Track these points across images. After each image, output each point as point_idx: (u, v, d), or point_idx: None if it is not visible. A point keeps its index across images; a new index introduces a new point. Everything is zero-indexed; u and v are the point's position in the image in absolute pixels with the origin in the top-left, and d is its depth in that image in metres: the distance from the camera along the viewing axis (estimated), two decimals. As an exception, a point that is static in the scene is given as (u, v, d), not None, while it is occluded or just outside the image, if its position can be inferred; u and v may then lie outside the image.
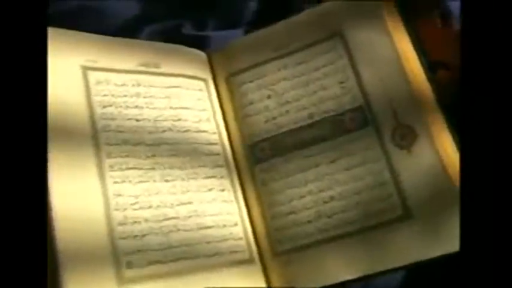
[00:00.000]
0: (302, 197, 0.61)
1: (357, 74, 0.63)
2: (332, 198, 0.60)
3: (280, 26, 0.67)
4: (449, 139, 0.60)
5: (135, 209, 0.56)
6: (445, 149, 0.59)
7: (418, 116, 0.60)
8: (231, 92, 0.66)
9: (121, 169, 0.57)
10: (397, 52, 0.62)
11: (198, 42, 0.74)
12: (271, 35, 0.67)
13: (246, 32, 0.76)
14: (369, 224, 0.59)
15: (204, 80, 0.66)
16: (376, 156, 0.60)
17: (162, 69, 0.64)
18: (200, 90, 0.65)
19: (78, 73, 0.59)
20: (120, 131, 0.58)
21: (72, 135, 0.56)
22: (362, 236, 0.58)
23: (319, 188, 0.61)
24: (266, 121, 0.64)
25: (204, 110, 0.64)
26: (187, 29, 0.76)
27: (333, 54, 0.64)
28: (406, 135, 0.60)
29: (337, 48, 0.64)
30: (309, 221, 0.60)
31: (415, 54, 0.63)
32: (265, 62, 0.66)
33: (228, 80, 0.67)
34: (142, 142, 0.59)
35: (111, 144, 0.57)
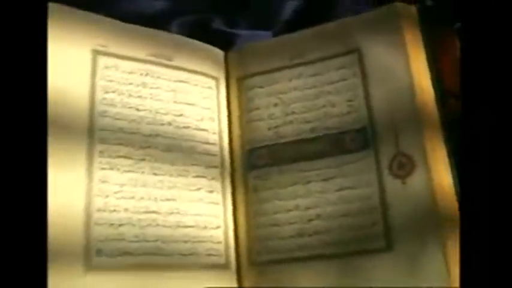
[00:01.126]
0: (289, 210, 0.60)
1: (366, 94, 0.61)
2: (318, 216, 0.59)
3: (299, 34, 0.66)
4: (448, 173, 0.58)
5: (117, 198, 0.56)
6: (440, 183, 0.57)
7: (421, 146, 0.58)
8: (240, 95, 0.66)
9: (111, 156, 0.57)
10: (411, 76, 0.60)
11: (225, 39, 0.74)
12: (289, 43, 0.66)
13: (276, 35, 0.74)
14: (348, 250, 0.57)
15: (215, 78, 0.66)
16: (370, 181, 0.58)
17: (174, 62, 0.64)
18: (209, 88, 0.65)
19: (87, 56, 0.60)
20: (118, 118, 0.59)
21: (68, 115, 0.56)
22: (339, 261, 0.57)
23: (307, 205, 0.60)
24: (268, 129, 0.63)
25: (208, 108, 0.64)
26: (217, 25, 0.76)
27: (347, 71, 0.63)
28: (404, 165, 0.58)
29: (353, 65, 0.63)
30: (291, 236, 0.59)
31: (429, 81, 0.61)
32: (279, 69, 0.65)
33: (239, 81, 0.66)
34: (138, 132, 0.59)
35: (106, 130, 0.58)
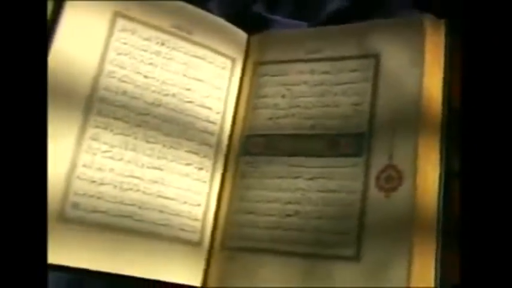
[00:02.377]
0: (270, 202, 0.60)
1: (372, 101, 0.60)
2: (296, 213, 0.59)
3: (320, 30, 0.66)
4: (434, 186, 0.56)
5: (105, 157, 0.58)
6: (423, 199, 0.56)
7: (413, 161, 0.57)
8: (253, 80, 0.66)
9: (107, 116, 0.59)
10: (421, 91, 0.59)
11: (262, 23, 0.74)
12: (308, 37, 0.66)
13: (311, 27, 0.74)
14: (318, 252, 0.57)
15: (232, 59, 0.66)
16: (354, 189, 0.58)
17: (194, 37, 0.65)
18: (223, 68, 0.65)
19: (107, 16, 0.61)
20: (124, 81, 0.60)
21: (76, 66, 0.58)
22: (306, 262, 0.57)
23: (288, 200, 0.60)
24: (270, 118, 0.64)
25: (218, 88, 0.65)
26: (258, 8, 0.76)
27: (359, 74, 0.62)
28: (392, 179, 0.57)
29: (367, 70, 0.62)
30: (266, 227, 0.59)
31: (440, 98, 0.59)
32: (294, 61, 0.65)
33: (255, 66, 0.67)
34: (141, 98, 0.61)
35: (109, 91, 0.59)
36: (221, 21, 0.67)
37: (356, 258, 0.55)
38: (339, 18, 0.76)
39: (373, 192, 0.57)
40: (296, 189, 0.59)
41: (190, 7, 0.67)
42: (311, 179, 0.59)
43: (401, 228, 0.55)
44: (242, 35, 0.68)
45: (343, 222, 0.57)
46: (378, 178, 0.57)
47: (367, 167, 0.58)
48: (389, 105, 0.60)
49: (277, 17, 0.75)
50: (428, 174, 0.57)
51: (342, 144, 0.60)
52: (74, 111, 0.57)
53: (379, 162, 0.58)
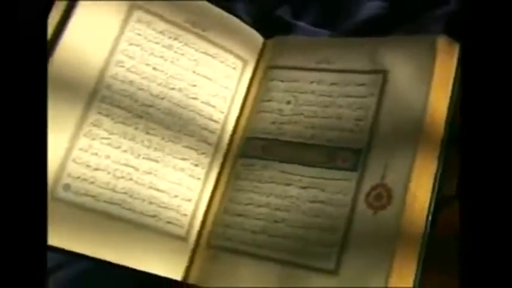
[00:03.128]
0: (259, 206, 0.60)
1: (375, 118, 0.60)
2: (283, 220, 0.59)
3: (333, 40, 0.66)
4: (423, 214, 0.56)
5: (103, 143, 0.59)
6: (410, 218, 0.55)
7: (406, 182, 0.56)
8: (262, 83, 0.66)
9: (111, 104, 0.60)
10: (425, 113, 0.58)
11: (285, 28, 0.75)
12: (321, 46, 0.66)
13: (333, 36, 0.74)
14: (298, 262, 0.57)
15: (244, 60, 0.67)
16: (343, 203, 0.58)
17: (207, 34, 0.66)
18: (234, 68, 0.66)
19: (123, 7, 0.62)
20: (132, 71, 0.61)
21: (85, 54, 0.59)
22: (285, 269, 0.57)
23: (278, 206, 0.60)
24: (273, 123, 0.64)
25: (226, 87, 0.65)
26: (284, 12, 0.76)
27: (366, 89, 0.62)
28: (382, 198, 0.56)
29: (374, 86, 0.62)
30: (252, 231, 0.60)
31: (443, 119, 0.59)
32: (305, 69, 0.65)
33: (266, 70, 0.67)
34: (147, 90, 0.62)
35: (116, 79, 0.60)
36: (238, 22, 0.68)
37: (334, 272, 0.55)
38: (367, 28, 0.75)
39: (362, 208, 0.57)
40: (287, 197, 0.59)
41: (208, 5, 0.67)
42: (303, 187, 0.59)
43: (384, 248, 0.54)
44: (258, 38, 0.68)
45: (327, 235, 0.57)
46: (368, 195, 0.57)
47: (360, 182, 0.58)
48: (391, 124, 0.59)
49: (301, 23, 0.75)
50: (418, 197, 0.56)
51: (339, 157, 0.59)
52: (79, 95, 0.59)
53: (371, 179, 0.57)
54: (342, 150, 0.60)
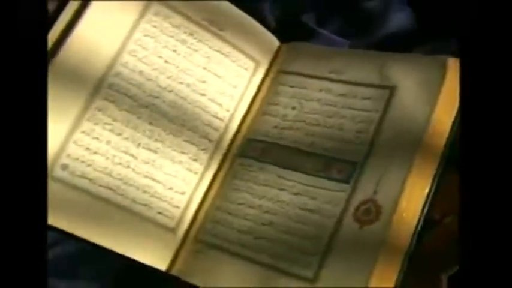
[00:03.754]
0: (250, 207, 0.61)
1: (376, 132, 0.60)
2: (270, 223, 0.59)
3: (348, 52, 0.66)
4: (409, 234, 0.55)
5: (104, 129, 0.61)
6: (396, 241, 0.55)
7: (396, 199, 0.56)
8: (271, 86, 0.67)
9: (118, 91, 0.61)
10: (427, 130, 0.58)
11: (306, 34, 0.75)
12: (335, 56, 0.66)
13: (352, 46, 0.74)
14: (279, 266, 0.57)
15: (256, 62, 0.67)
16: (332, 214, 0.58)
17: (224, 34, 0.67)
18: (245, 69, 0.67)
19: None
20: (143, 62, 0.63)
21: (99, 40, 0.61)
22: (266, 272, 0.58)
23: (268, 209, 0.60)
24: (275, 126, 0.64)
25: (235, 87, 0.66)
26: (308, 18, 0.77)
27: (371, 103, 0.62)
28: (370, 213, 0.56)
29: (379, 101, 0.61)
30: (239, 231, 0.60)
31: (444, 140, 0.58)
32: (315, 77, 0.66)
33: (277, 74, 0.67)
34: (155, 81, 0.63)
35: (126, 67, 0.62)
36: (256, 24, 0.68)
37: (313, 280, 0.55)
38: (389, 43, 0.75)
39: (349, 221, 0.57)
40: (278, 201, 0.60)
41: (229, 5, 0.68)
42: (295, 194, 0.60)
43: (364, 263, 0.54)
44: (273, 41, 0.69)
45: (311, 243, 0.57)
46: (357, 209, 0.57)
47: (351, 195, 0.58)
48: (391, 140, 0.59)
49: (324, 31, 0.75)
50: (406, 217, 0.56)
51: (334, 168, 0.59)
52: (87, 79, 0.60)
53: (363, 193, 0.57)
54: (338, 161, 0.60)
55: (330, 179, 0.59)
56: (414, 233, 0.55)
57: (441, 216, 0.58)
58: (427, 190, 0.56)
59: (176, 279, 0.60)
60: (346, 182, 0.58)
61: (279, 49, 0.69)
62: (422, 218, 0.56)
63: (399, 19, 0.76)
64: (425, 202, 0.56)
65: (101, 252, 0.59)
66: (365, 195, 0.57)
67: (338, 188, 0.58)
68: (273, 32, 0.72)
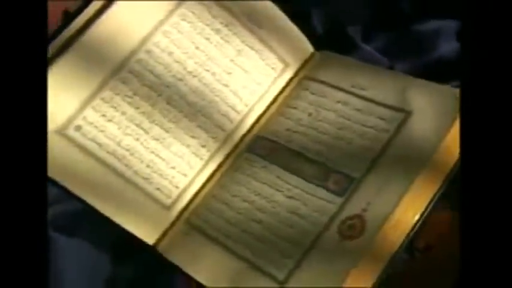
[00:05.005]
0: (244, 201, 0.62)
1: (381, 152, 0.60)
2: (259, 221, 0.60)
3: (374, 69, 0.66)
4: (387, 257, 0.55)
5: (124, 100, 0.63)
6: (371, 262, 0.55)
7: (383, 222, 0.56)
8: (295, 90, 0.68)
9: (144, 68, 0.63)
10: (431, 159, 0.58)
11: (348, 47, 0.76)
12: (361, 71, 0.66)
13: (391, 66, 0.74)
14: (255, 263, 0.59)
15: (285, 64, 0.68)
16: (318, 222, 0.58)
17: (260, 32, 0.68)
18: (273, 69, 0.68)
19: None
20: (174, 44, 0.65)
21: (132, 21, 0.64)
22: (242, 266, 0.59)
23: (260, 207, 0.61)
24: (287, 129, 0.65)
25: (259, 84, 0.67)
26: (354, 31, 0.77)
27: (384, 124, 0.62)
28: (354, 229, 0.57)
29: (392, 122, 0.62)
30: (227, 221, 0.62)
31: (445, 174, 0.58)
32: (337, 88, 0.66)
33: (303, 79, 0.68)
34: (182, 64, 0.65)
35: (157, 47, 0.64)
36: (294, 28, 0.69)
37: (282, 283, 0.56)
38: (430, 70, 0.74)
39: (331, 233, 0.57)
40: (271, 201, 0.61)
41: (271, 5, 0.69)
42: (289, 197, 0.60)
43: (336, 276, 0.54)
44: (307, 47, 0.70)
45: (291, 247, 0.58)
46: (343, 222, 0.57)
47: (340, 208, 0.58)
48: (393, 162, 0.59)
49: (367, 47, 0.75)
50: (389, 240, 0.56)
51: (332, 179, 0.60)
52: (117, 53, 0.62)
53: (352, 209, 0.58)
54: (337, 173, 0.60)
55: (325, 188, 0.60)
56: (393, 257, 0.54)
57: (424, 246, 0.57)
58: (416, 218, 0.55)
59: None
60: (340, 194, 0.59)
61: (311, 55, 0.69)
62: (404, 244, 0.55)
63: (446, 50, 0.75)
64: (412, 229, 0.55)
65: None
66: (354, 211, 0.57)
67: (330, 199, 0.59)
68: (317, 39, 0.73)
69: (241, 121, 0.66)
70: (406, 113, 0.61)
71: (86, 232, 0.66)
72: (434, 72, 0.72)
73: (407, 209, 0.56)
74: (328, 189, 0.59)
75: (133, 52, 0.63)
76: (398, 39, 0.76)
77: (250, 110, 0.66)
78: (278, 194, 0.61)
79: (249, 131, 0.66)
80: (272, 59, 0.67)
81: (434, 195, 0.57)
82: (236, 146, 0.66)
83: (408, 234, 0.55)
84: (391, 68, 0.73)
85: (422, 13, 0.77)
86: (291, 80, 0.68)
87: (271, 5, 0.69)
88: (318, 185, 0.60)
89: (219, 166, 0.65)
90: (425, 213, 0.56)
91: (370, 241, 0.55)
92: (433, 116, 0.60)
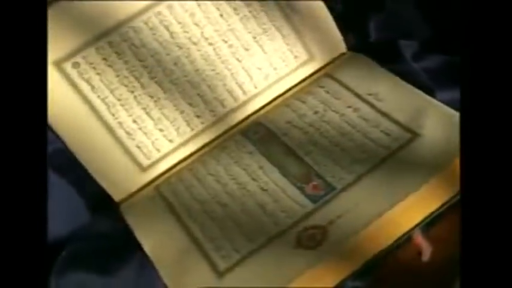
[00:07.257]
0: (218, 182, 0.58)
1: (373, 168, 0.55)
2: (224, 205, 0.57)
3: (397, 82, 0.60)
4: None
5: (130, 49, 0.61)
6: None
7: (347, 240, 0.51)
8: (310, 83, 0.63)
9: (162, 23, 0.61)
10: (423, 186, 0.52)
11: (392, 58, 0.70)
12: (383, 80, 0.61)
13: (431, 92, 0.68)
14: (204, 246, 0.55)
15: (311, 56, 0.64)
16: (280, 223, 0.54)
17: (292, 15, 0.64)
18: (296, 57, 0.64)
19: None
20: (198, 6, 0.62)
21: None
22: (189, 245, 0.55)
23: (231, 192, 0.57)
24: (288, 121, 0.61)
25: (275, 69, 0.63)
26: (408, 46, 0.71)
27: (387, 139, 0.57)
28: (313, 240, 0.52)
29: (396, 140, 0.56)
30: (193, 197, 0.58)
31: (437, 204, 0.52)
32: (353, 92, 0.61)
33: (323, 75, 0.64)
34: (201, 28, 0.62)
35: (168, 7, 0.61)
36: (332, 25, 0.64)
37: (221, 274, 0.52)
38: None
39: (289, 237, 0.52)
40: (243, 188, 0.57)
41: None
42: (262, 189, 0.56)
43: (276, 283, 0.49)
44: (341, 46, 0.65)
45: (243, 241, 0.53)
46: (304, 230, 0.52)
47: (308, 215, 0.53)
48: (381, 182, 0.54)
49: (414, 64, 0.69)
50: (345, 259, 0.50)
51: (312, 183, 0.55)
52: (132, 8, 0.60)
53: (319, 218, 0.53)
54: (319, 179, 0.55)
55: (302, 191, 0.55)
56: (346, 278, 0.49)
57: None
58: (388, 242, 0.50)
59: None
60: (314, 201, 0.54)
61: (342, 55, 0.64)
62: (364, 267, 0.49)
63: None
64: (376, 256, 0.49)
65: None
66: (320, 221, 0.52)
67: (302, 203, 0.54)
68: (369, 45, 0.69)
69: (245, 103, 0.62)
70: (413, 135, 0.55)
71: (75, 176, 0.63)
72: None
73: (381, 231, 0.49)
74: (305, 193, 0.54)
75: (154, 3, 0.59)
76: (450, 65, 0.69)
77: (257, 94, 0.62)
78: (253, 183, 0.56)
79: (249, 116, 0.61)
80: (298, 47, 0.63)
81: (413, 226, 0.50)
82: (232, 127, 0.61)
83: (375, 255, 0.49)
84: (431, 94, 0.65)
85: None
86: (312, 74, 0.63)
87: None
88: (296, 186, 0.55)
89: (209, 142, 0.60)
90: (397, 242, 0.49)
91: (324, 255, 0.49)
92: (439, 144, 0.54)
